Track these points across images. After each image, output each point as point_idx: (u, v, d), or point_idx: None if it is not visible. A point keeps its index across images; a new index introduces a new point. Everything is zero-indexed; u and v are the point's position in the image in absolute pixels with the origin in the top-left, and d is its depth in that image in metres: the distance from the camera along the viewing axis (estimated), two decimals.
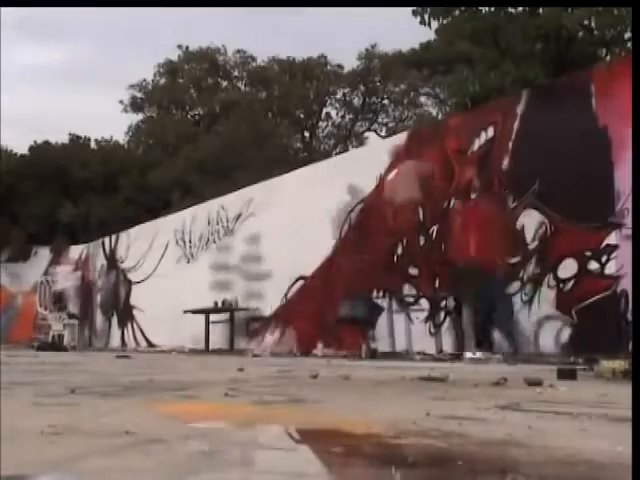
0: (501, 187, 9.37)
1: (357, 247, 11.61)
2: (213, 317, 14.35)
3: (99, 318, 20.34)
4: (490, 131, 9.64)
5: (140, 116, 28.31)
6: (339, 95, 27.91)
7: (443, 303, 10.06)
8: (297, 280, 12.85)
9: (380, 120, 28.15)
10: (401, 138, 11.70)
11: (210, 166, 22.83)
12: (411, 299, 10.59)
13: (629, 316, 7.28)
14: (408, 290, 10.65)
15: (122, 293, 19.21)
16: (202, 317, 14.54)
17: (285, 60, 27.47)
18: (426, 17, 11.86)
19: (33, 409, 3.17)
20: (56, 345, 17.75)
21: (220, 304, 14.22)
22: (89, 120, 43.81)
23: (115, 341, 19.09)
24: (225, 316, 14.24)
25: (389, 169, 11.19)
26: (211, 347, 14.02)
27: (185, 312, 14.70)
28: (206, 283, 15.30)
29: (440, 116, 23.30)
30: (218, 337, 14.17)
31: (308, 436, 2.50)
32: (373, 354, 10.45)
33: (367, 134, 28.54)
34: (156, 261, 17.47)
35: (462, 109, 12.98)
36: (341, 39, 42.42)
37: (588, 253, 8.13)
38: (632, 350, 4.68)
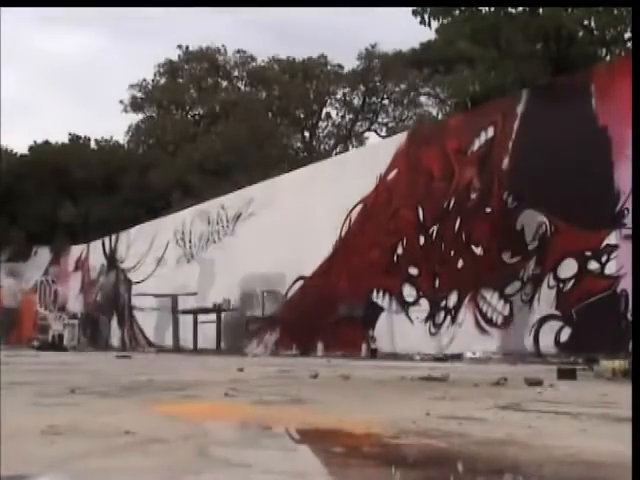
0: (500, 187, 9.37)
1: (357, 247, 11.61)
2: (211, 317, 14.35)
3: (99, 318, 20.33)
4: (490, 131, 9.64)
5: (140, 116, 28.31)
6: (339, 95, 27.91)
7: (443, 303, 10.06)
8: (297, 280, 12.85)
9: (380, 120, 28.16)
10: (401, 138, 11.70)
11: (210, 166, 22.83)
12: (411, 299, 10.59)
13: (629, 316, 7.28)
14: (408, 290, 10.65)
15: (122, 293, 19.21)
16: (203, 317, 14.55)
17: (285, 60, 27.47)
18: (426, 17, 11.86)
19: (33, 409, 3.16)
20: (56, 345, 17.75)
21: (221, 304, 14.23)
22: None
23: (115, 341, 19.09)
24: (225, 316, 14.23)
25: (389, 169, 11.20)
26: (210, 347, 14.02)
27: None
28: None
29: (440, 116, 23.31)
30: (217, 337, 14.16)
31: (308, 436, 2.50)
32: (373, 354, 10.46)
33: (367, 134, 28.57)
34: (156, 261, 17.47)
35: (462, 109, 12.97)
36: (341, 39, 42.43)
37: (588, 253, 8.13)
38: (632, 350, 4.67)
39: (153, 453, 2.00)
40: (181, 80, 28.09)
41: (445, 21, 12.27)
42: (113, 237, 19.92)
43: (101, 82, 47.98)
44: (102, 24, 46.39)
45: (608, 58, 13.08)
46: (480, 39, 12.64)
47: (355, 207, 11.74)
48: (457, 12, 12.15)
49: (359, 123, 28.52)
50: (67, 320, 19.73)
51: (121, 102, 28.03)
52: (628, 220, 7.57)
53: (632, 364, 4.44)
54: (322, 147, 28.38)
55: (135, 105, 28.10)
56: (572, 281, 8.31)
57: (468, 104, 12.69)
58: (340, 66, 27.17)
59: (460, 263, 9.86)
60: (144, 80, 28.02)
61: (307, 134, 28.57)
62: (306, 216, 12.55)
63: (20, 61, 51.64)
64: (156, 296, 16.54)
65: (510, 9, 12.06)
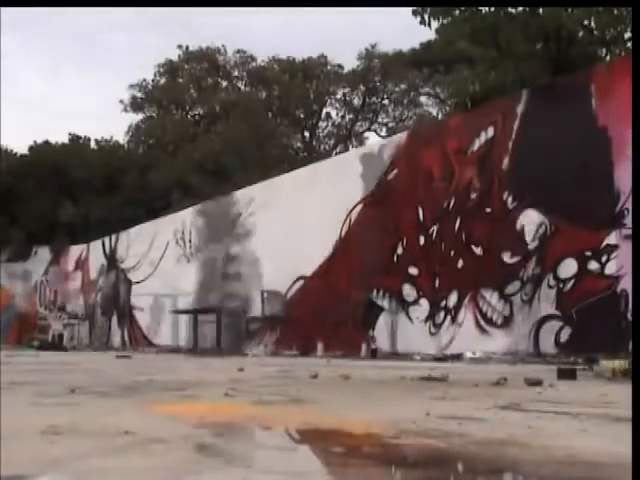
0: (500, 187, 9.37)
1: (357, 247, 11.61)
2: (211, 317, 14.36)
3: (99, 318, 20.34)
4: (490, 131, 9.64)
5: (140, 116, 28.29)
6: (339, 95, 27.89)
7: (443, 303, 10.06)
8: (297, 280, 12.85)
9: (380, 120, 28.14)
10: (401, 138, 11.70)
11: (210, 166, 22.83)
12: (411, 299, 10.59)
13: (629, 316, 7.28)
14: (408, 290, 10.65)
15: (122, 293, 19.21)
16: (203, 318, 14.55)
17: (285, 60, 27.46)
18: (426, 17, 11.85)
19: (33, 409, 3.16)
20: (56, 345, 17.75)
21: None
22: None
23: (115, 341, 19.09)
24: (225, 316, 14.24)
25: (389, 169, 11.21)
26: (210, 347, 14.03)
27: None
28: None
29: (440, 116, 23.31)
30: (217, 337, 14.16)
31: (308, 436, 2.50)
32: (373, 354, 10.46)
33: (367, 134, 28.56)
34: (156, 261, 17.47)
35: (462, 109, 12.96)
36: (341, 39, 42.43)
37: (588, 253, 8.13)
38: (632, 350, 4.67)
39: (153, 453, 2.00)
40: (181, 80, 28.07)
41: (445, 21, 12.26)
42: (113, 237, 19.92)
43: (102, 82, 47.97)
44: (102, 23, 46.39)
45: (608, 58, 13.08)
46: (480, 39, 12.63)
47: (355, 207, 11.74)
48: (457, 12, 12.15)
49: (359, 123, 28.51)
50: (67, 320, 19.72)
51: (121, 102, 28.03)
52: (628, 220, 7.57)
53: (632, 364, 4.44)
54: (322, 147, 28.37)
55: (135, 105, 28.08)
56: (572, 281, 8.31)
57: (468, 104, 12.68)
58: (340, 66, 27.18)
59: (460, 263, 9.86)
60: (144, 80, 28.03)
61: (307, 134, 28.56)
62: (306, 216, 12.55)
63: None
64: (156, 296, 16.54)
65: (510, 9, 12.06)
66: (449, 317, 9.91)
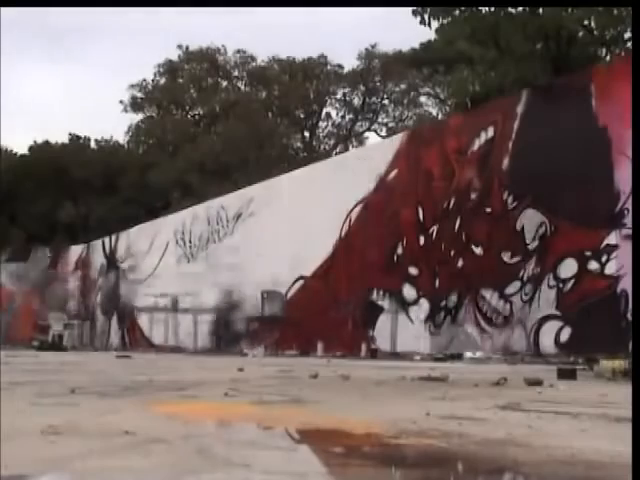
0: (500, 187, 9.37)
1: (357, 247, 11.60)
2: (211, 317, 14.35)
3: (99, 318, 20.32)
4: (490, 131, 9.64)
5: (140, 116, 28.27)
6: (339, 95, 27.89)
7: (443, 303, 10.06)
8: (297, 280, 12.84)
9: (380, 120, 28.13)
10: (401, 138, 11.69)
11: (210, 166, 22.83)
12: (411, 299, 10.59)
13: (629, 316, 7.28)
14: (408, 290, 10.65)
15: (122, 293, 19.19)
16: (203, 317, 14.55)
17: (285, 60, 27.46)
18: (426, 17, 11.85)
19: (33, 409, 3.16)
20: (56, 345, 17.73)
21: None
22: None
23: (115, 341, 19.08)
24: (224, 316, 14.23)
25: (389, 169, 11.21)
26: (210, 347, 14.03)
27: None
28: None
29: (440, 116, 23.31)
30: (217, 337, 14.16)
31: (308, 436, 2.50)
32: (373, 354, 10.46)
33: (367, 134, 28.55)
34: (156, 261, 17.46)
35: (462, 109, 12.97)
36: (341, 39, 42.42)
37: (588, 253, 8.14)
38: (632, 350, 4.67)
39: (153, 453, 2.00)
40: (181, 80, 28.05)
41: (445, 21, 12.26)
42: (113, 237, 19.91)
43: (102, 82, 47.91)
44: (103, 23, 46.32)
45: (608, 58, 13.08)
46: (480, 39, 12.64)
47: (355, 207, 11.74)
48: (457, 12, 12.15)
49: (359, 123, 28.50)
50: (67, 320, 19.71)
51: (121, 102, 28.01)
52: (628, 220, 7.57)
53: (632, 364, 4.44)
54: (322, 147, 28.36)
55: (135, 105, 28.06)
56: (572, 281, 8.31)
57: (468, 104, 12.70)
58: (340, 66, 27.17)
59: (460, 263, 9.86)
60: (144, 80, 28.01)
61: (307, 134, 28.54)
62: (306, 216, 12.54)
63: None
64: (156, 296, 16.54)
65: (510, 9, 12.06)
66: (449, 317, 9.91)
